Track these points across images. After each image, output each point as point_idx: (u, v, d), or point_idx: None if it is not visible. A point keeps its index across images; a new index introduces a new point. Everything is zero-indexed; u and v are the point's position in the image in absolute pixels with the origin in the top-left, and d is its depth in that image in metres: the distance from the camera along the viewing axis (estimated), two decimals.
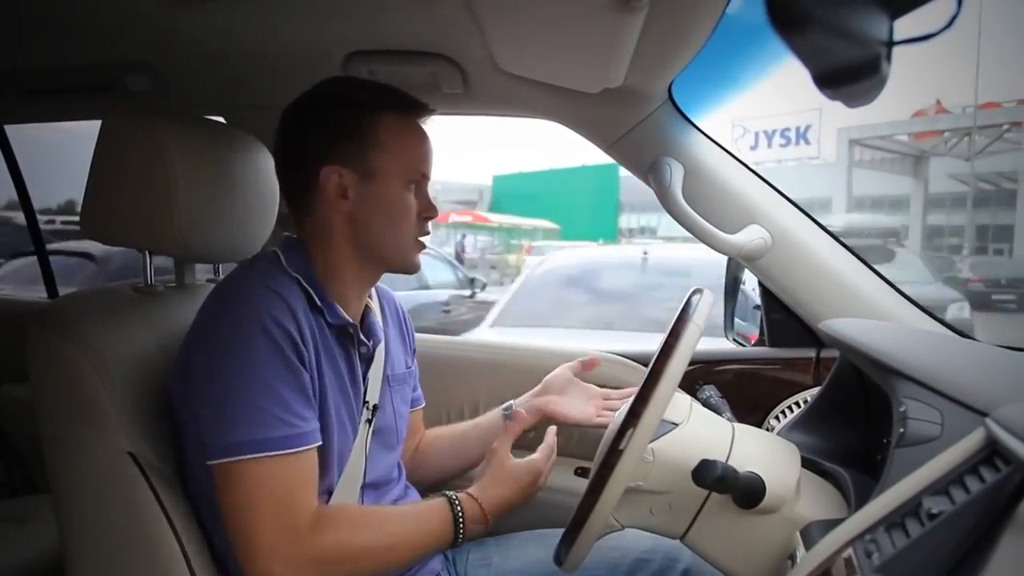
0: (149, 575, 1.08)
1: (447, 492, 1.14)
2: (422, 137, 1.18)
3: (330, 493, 1.15)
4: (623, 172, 1.76)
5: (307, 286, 1.11)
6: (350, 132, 1.12)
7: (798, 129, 29.36)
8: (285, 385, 1.01)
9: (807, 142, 29.25)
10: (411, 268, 1.20)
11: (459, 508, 1.12)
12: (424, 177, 1.17)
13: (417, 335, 1.46)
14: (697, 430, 1.00)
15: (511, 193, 33.84)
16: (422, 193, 1.18)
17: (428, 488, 1.43)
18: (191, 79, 1.60)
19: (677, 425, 0.99)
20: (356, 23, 1.33)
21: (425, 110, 1.19)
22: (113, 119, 1.19)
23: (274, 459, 0.99)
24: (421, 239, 1.20)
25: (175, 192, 1.15)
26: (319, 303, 1.11)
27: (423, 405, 1.48)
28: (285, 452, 1.00)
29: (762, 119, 30.03)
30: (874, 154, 27.38)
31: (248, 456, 0.98)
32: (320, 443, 1.06)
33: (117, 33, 1.40)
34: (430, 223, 1.21)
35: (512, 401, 1.44)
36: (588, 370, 1.45)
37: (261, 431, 0.99)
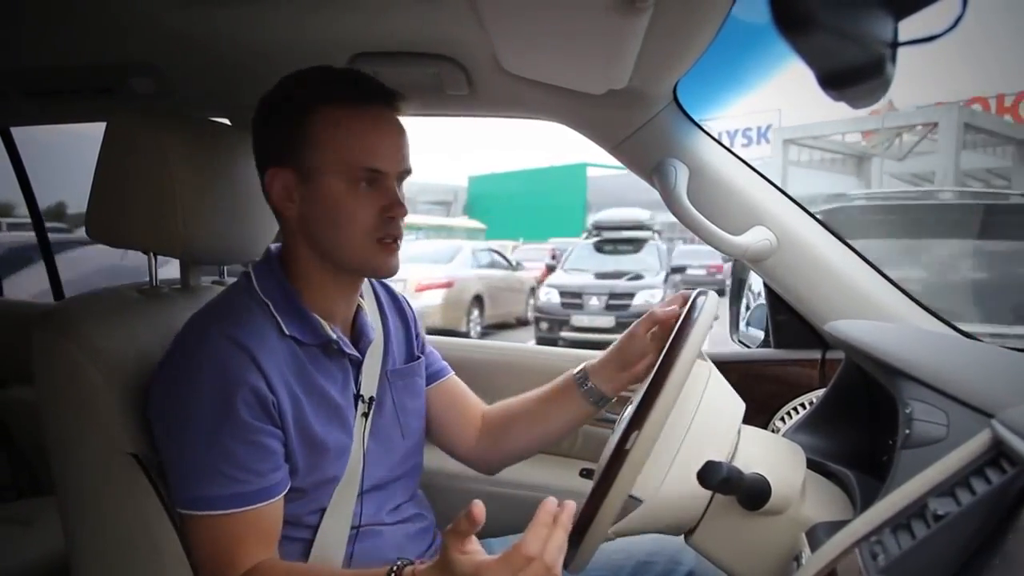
0: (152, 575, 1.09)
1: (398, 562, 0.97)
2: (368, 129, 1.07)
3: (323, 511, 1.14)
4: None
5: (276, 313, 1.09)
6: (284, 132, 1.07)
7: (759, 128, 29.20)
8: (239, 443, 1.01)
9: (767, 141, 29.15)
10: (377, 272, 1.13)
11: None
12: (375, 172, 1.07)
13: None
14: (661, 508, 0.96)
15: (485, 193, 34.34)
16: (383, 189, 1.08)
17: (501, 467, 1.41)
18: (195, 81, 1.60)
19: (641, 502, 0.95)
20: (361, 24, 1.33)
21: (374, 98, 1.08)
22: (118, 121, 1.19)
23: (217, 517, 1.01)
24: (389, 239, 1.09)
25: (179, 194, 1.15)
26: (286, 330, 1.08)
27: (451, 374, 1.42)
28: (230, 511, 1.01)
29: (724, 118, 30.02)
30: (822, 155, 27.42)
31: (195, 512, 1.02)
32: (281, 494, 1.06)
33: (121, 34, 1.40)
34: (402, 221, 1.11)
35: (585, 365, 1.28)
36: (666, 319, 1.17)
37: (210, 489, 1.01)
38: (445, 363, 1.42)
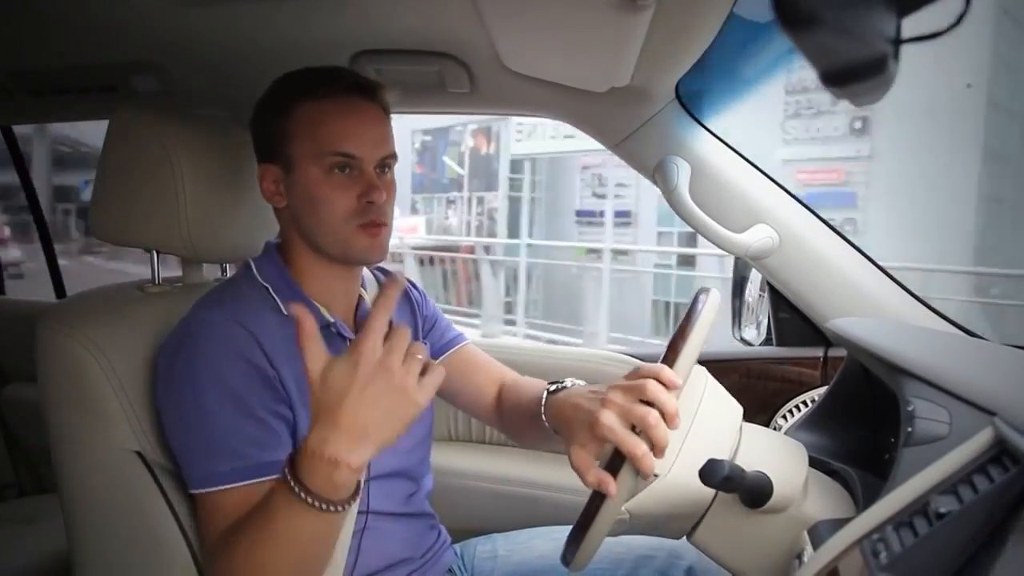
0: (155, 573, 1.09)
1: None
2: (339, 116, 1.09)
3: None
4: None
5: (274, 295, 1.10)
6: (269, 127, 1.12)
7: None
8: (239, 418, 1.00)
9: None
10: (360, 258, 1.13)
11: (285, 470, 0.85)
12: (347, 156, 1.08)
13: None
14: (677, 479, 0.94)
15: None
16: (361, 174, 1.09)
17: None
18: (197, 78, 1.60)
19: (656, 476, 0.93)
20: (362, 22, 1.33)
21: (350, 89, 1.09)
22: (120, 119, 1.19)
23: (217, 493, 0.99)
24: (370, 224, 1.09)
25: (182, 192, 1.15)
26: (284, 311, 1.09)
27: (464, 342, 1.39)
28: (226, 487, 0.98)
29: None
30: None
31: (199, 491, 1.00)
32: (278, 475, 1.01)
33: (124, 34, 1.40)
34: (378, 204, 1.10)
35: (571, 381, 1.16)
36: None
37: (210, 465, 0.99)
38: (459, 332, 1.41)
